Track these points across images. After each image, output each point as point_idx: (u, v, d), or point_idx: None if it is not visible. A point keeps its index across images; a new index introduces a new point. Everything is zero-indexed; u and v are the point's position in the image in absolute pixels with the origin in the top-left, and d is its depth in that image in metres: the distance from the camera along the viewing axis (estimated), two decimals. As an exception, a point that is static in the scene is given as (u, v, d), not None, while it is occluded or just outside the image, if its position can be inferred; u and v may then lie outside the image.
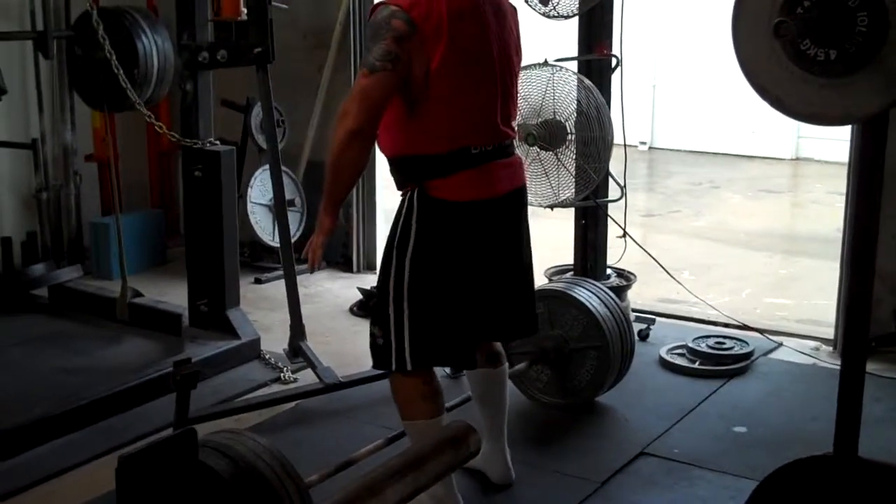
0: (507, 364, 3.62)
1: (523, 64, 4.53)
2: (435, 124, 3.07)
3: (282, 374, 4.62)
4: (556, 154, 4.61)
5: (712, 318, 5.37)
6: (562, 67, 4.56)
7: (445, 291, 3.14)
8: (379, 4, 3.09)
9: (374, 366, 3.28)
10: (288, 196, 5.69)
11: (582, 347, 4.07)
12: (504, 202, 3.22)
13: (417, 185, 3.12)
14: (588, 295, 4.12)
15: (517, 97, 3.38)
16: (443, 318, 3.15)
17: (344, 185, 3.18)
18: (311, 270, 3.31)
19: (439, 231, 3.11)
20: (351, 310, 5.60)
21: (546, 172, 4.63)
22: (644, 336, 5.00)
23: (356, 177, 3.19)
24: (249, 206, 6.00)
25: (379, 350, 3.21)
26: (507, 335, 3.61)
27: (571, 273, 5.08)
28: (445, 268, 3.13)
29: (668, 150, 11.57)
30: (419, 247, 3.11)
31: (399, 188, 3.22)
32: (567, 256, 5.20)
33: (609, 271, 5.17)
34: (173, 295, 5.43)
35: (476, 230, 3.15)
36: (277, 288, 5.46)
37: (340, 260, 6.38)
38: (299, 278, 4.81)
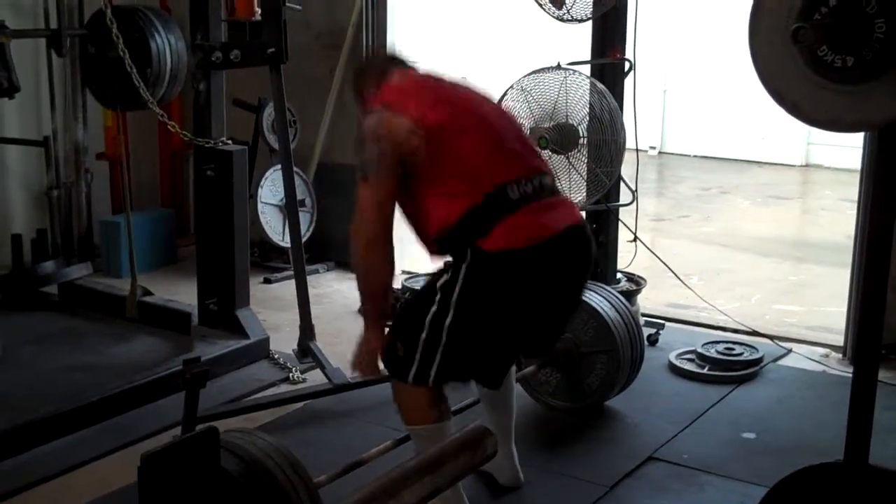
0: (514, 366, 3.62)
1: (537, 67, 4.58)
2: (455, 179, 3.05)
3: (290, 374, 4.62)
4: (567, 158, 4.61)
5: (722, 324, 5.36)
6: (575, 71, 4.57)
7: (486, 335, 3.10)
8: (363, 125, 3.15)
9: (389, 373, 3.22)
10: (299, 196, 5.70)
11: (592, 352, 4.07)
12: (556, 244, 3.10)
13: (470, 244, 3.04)
14: (599, 299, 4.11)
15: (523, 135, 3.38)
16: (478, 353, 3.13)
17: (380, 300, 3.15)
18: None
19: (487, 280, 3.04)
20: (360, 311, 5.59)
21: (557, 176, 4.63)
22: (653, 341, 4.99)
23: (388, 286, 3.15)
24: (260, 206, 6.01)
25: (397, 361, 3.14)
26: (533, 354, 3.66)
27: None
28: (490, 314, 3.06)
29: (677, 155, 11.56)
30: (465, 293, 3.03)
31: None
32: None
33: (619, 275, 5.17)
34: (183, 294, 5.44)
35: (524, 276, 3.06)
36: (287, 288, 5.46)
37: (350, 261, 6.37)
38: (309, 279, 4.81)
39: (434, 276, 3.13)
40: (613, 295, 4.23)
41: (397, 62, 3.37)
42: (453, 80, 3.31)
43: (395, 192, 3.06)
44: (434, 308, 3.06)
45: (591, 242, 3.26)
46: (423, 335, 3.07)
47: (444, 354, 3.06)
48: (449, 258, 3.12)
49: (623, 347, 4.06)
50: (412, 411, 3.19)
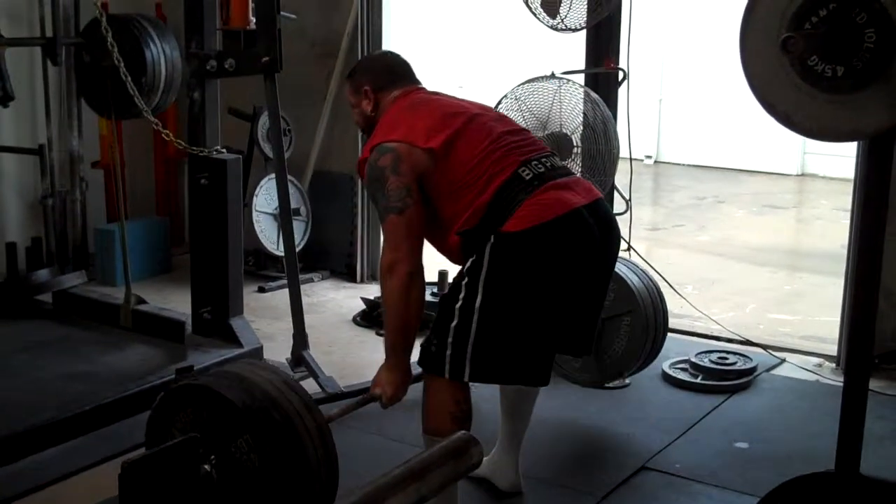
0: None
1: (531, 76, 4.58)
2: (467, 182, 3.09)
3: (284, 383, 4.60)
4: (561, 167, 4.61)
5: (716, 333, 5.37)
6: (568, 80, 4.57)
7: (518, 316, 3.08)
8: (362, 161, 3.21)
9: (424, 370, 3.18)
10: (293, 205, 5.71)
11: (613, 316, 4.05)
12: (576, 218, 3.09)
13: (492, 232, 3.06)
14: (617, 264, 4.11)
15: (517, 125, 3.43)
16: (512, 340, 3.09)
17: (412, 332, 3.14)
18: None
19: (514, 257, 3.04)
20: (354, 320, 5.60)
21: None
22: (647, 350, 4.99)
23: (420, 318, 3.15)
24: (255, 215, 6.01)
25: (431, 355, 3.13)
26: (567, 351, 3.60)
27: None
28: (520, 292, 3.06)
29: (673, 164, 11.59)
30: (493, 271, 3.03)
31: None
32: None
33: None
34: (177, 302, 5.44)
35: (551, 249, 3.06)
36: (281, 297, 5.46)
37: (344, 270, 6.38)
38: (303, 287, 4.81)
39: (460, 269, 3.14)
40: (632, 262, 4.25)
41: (396, 80, 3.41)
42: (434, 92, 3.41)
43: (424, 220, 3.10)
44: (462, 293, 3.07)
45: (613, 218, 3.29)
46: (454, 322, 3.07)
47: (477, 343, 3.05)
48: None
49: (645, 307, 4.05)
50: (434, 417, 3.14)
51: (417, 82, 3.45)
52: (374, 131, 3.28)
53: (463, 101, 3.38)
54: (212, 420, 2.65)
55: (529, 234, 3.02)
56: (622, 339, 4.10)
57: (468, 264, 3.10)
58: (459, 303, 3.07)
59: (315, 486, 2.67)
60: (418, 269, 3.08)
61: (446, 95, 3.41)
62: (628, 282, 4.06)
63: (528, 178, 3.09)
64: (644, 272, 4.25)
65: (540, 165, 3.14)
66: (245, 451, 2.61)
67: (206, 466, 2.62)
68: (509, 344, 3.09)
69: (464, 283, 3.08)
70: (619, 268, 4.09)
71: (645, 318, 4.06)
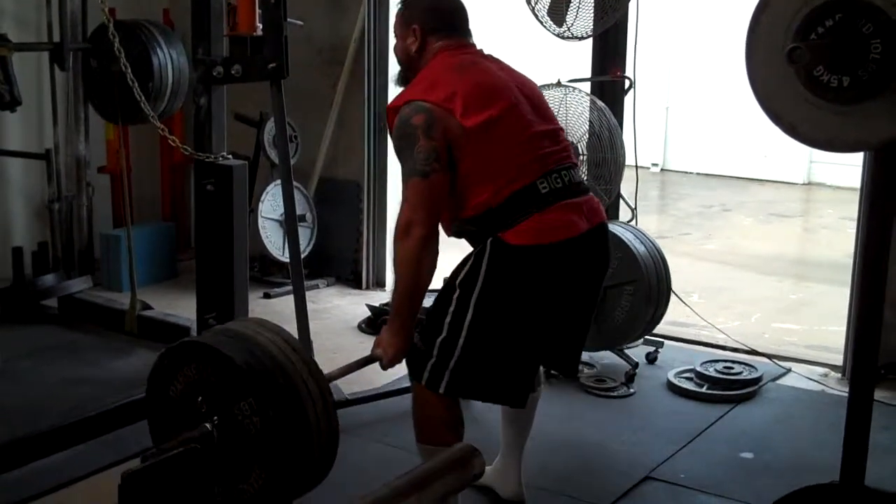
0: (542, 386, 3.59)
1: (537, 84, 4.57)
2: (488, 172, 3.03)
3: (289, 390, 4.60)
4: (567, 175, 4.61)
5: (721, 343, 5.35)
6: (575, 88, 4.57)
7: (506, 337, 3.06)
8: (392, 108, 3.11)
9: (408, 371, 3.19)
10: (299, 211, 5.71)
11: (615, 284, 4.01)
12: (580, 243, 3.09)
13: (492, 235, 3.04)
14: (622, 231, 4.09)
15: (553, 119, 3.32)
16: (496, 361, 3.07)
17: (420, 299, 3.10)
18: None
19: (509, 276, 3.02)
20: (359, 326, 5.60)
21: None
22: (652, 359, 4.98)
23: (429, 285, 3.11)
24: (260, 221, 6.01)
25: (414, 359, 3.13)
26: (558, 369, 3.54)
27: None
28: (510, 314, 3.04)
29: (680, 172, 11.58)
30: (486, 290, 3.02)
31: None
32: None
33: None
34: (182, 308, 5.44)
35: (548, 273, 3.04)
36: (286, 303, 5.46)
37: (350, 276, 6.38)
38: (308, 294, 4.80)
39: (453, 273, 3.11)
40: (639, 230, 4.21)
41: (448, 26, 3.28)
42: (487, 61, 3.26)
43: (447, 185, 3.03)
44: (452, 308, 3.05)
45: (609, 244, 3.27)
46: (441, 336, 3.06)
47: (461, 360, 3.03)
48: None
49: (649, 278, 4.02)
50: (426, 427, 3.15)
51: (469, 35, 3.33)
52: (413, 81, 3.17)
53: (508, 75, 3.22)
54: (216, 380, 2.66)
55: (527, 252, 3.01)
56: (624, 307, 4.06)
57: (461, 276, 3.07)
58: (449, 318, 3.06)
59: (314, 449, 2.69)
60: (433, 233, 3.03)
61: (494, 62, 3.26)
62: (634, 251, 4.01)
63: (544, 191, 3.05)
64: (650, 240, 4.19)
65: (559, 180, 3.09)
66: (248, 413, 2.63)
67: (208, 425, 2.64)
68: (492, 364, 3.08)
69: (455, 296, 3.06)
70: (626, 235, 4.05)
71: (648, 287, 4.02)
